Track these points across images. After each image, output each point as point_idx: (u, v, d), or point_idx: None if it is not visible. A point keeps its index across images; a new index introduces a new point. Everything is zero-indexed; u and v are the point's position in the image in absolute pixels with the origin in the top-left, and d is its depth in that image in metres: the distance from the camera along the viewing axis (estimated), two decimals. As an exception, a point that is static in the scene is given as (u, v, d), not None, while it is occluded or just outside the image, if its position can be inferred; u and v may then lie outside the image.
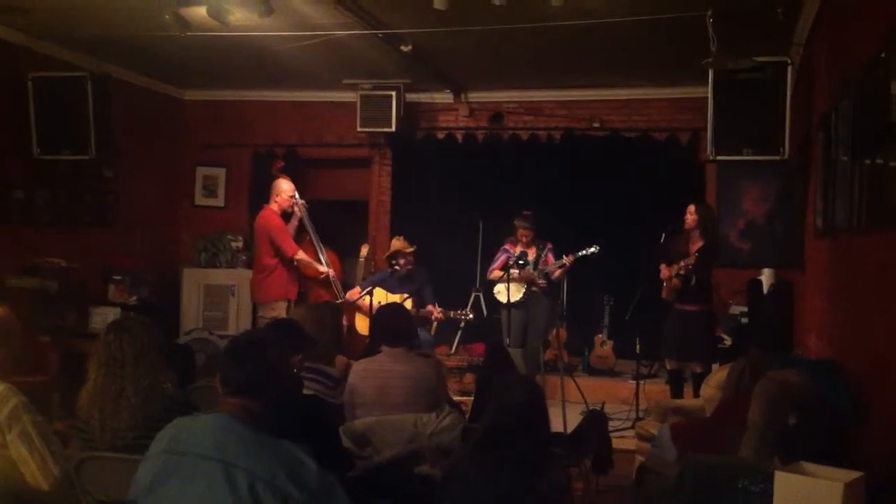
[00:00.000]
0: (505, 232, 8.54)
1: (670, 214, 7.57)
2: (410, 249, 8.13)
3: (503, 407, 3.57)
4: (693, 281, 7.29)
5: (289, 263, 7.89)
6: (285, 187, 8.05)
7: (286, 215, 8.08)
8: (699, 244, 7.32)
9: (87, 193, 8.65)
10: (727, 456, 3.73)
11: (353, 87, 9.37)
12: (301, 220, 8.23)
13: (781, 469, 2.66)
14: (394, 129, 9.28)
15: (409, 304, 7.49)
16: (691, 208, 7.45)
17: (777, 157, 6.20)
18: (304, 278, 8.17)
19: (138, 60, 8.64)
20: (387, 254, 8.34)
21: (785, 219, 8.12)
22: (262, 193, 8.38)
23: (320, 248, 8.26)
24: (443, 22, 6.41)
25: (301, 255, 7.94)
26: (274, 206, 7.99)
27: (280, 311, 7.72)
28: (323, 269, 8.15)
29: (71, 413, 3.60)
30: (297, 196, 8.17)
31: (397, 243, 8.23)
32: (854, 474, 2.55)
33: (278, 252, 7.83)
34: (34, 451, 3.40)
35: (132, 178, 9.21)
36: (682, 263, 7.28)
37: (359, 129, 9.42)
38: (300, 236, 8.27)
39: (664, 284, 7.51)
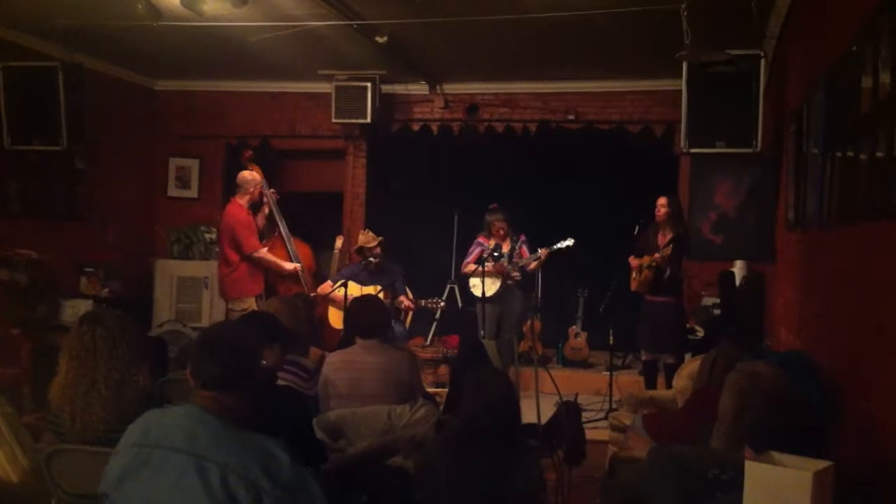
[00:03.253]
0: (480, 224, 8.53)
1: (644, 207, 7.60)
2: (374, 244, 8.03)
3: (476, 402, 3.57)
4: (667, 273, 7.33)
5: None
6: (251, 178, 7.88)
7: (255, 206, 7.97)
8: (670, 236, 7.36)
9: (59, 184, 8.57)
10: (698, 446, 3.76)
11: (328, 78, 9.33)
12: (270, 212, 8.14)
13: (751, 459, 2.68)
14: (369, 120, 9.26)
15: (382, 297, 7.47)
16: (663, 201, 7.48)
17: (749, 150, 6.24)
18: (273, 272, 8.05)
19: (110, 50, 8.56)
20: (357, 247, 8.24)
21: (757, 211, 8.18)
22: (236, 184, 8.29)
23: (289, 241, 8.19)
24: (418, 13, 6.40)
25: (262, 252, 7.75)
26: (241, 200, 7.81)
27: (250, 305, 7.56)
28: (288, 266, 8.01)
29: (42, 406, 3.57)
30: (265, 185, 8.07)
31: (362, 238, 8.16)
32: (823, 463, 2.58)
33: (240, 247, 7.73)
34: (3, 443, 3.35)
35: (104, 169, 9.14)
36: (656, 255, 7.31)
37: (333, 120, 9.39)
38: (270, 228, 8.19)
39: (634, 277, 7.55)
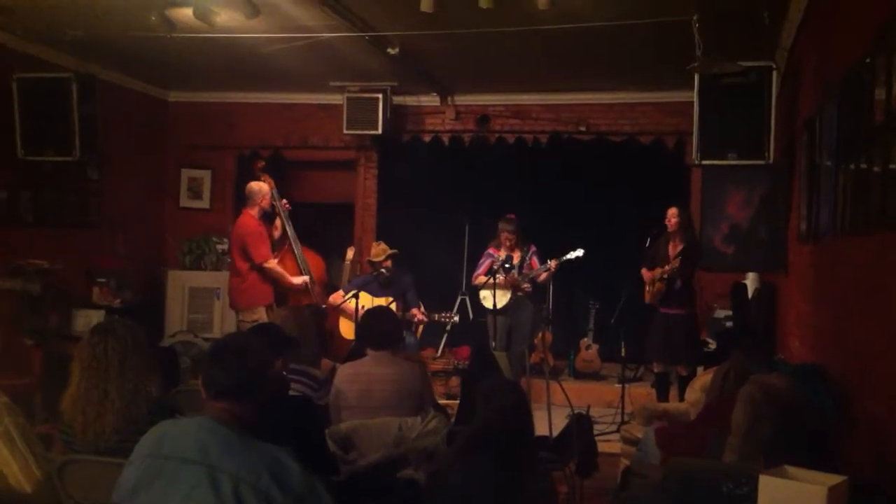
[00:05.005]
0: (491, 235, 8.53)
1: (656, 219, 7.58)
2: (382, 257, 8.03)
3: (488, 411, 3.56)
4: (678, 284, 7.31)
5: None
6: (258, 189, 7.85)
7: (268, 217, 7.97)
8: (680, 247, 7.35)
9: (72, 194, 8.61)
10: (711, 459, 3.74)
11: (339, 90, 9.36)
12: (282, 222, 8.14)
13: (765, 473, 2.67)
14: (380, 131, 9.27)
15: (393, 308, 7.46)
16: (674, 211, 7.47)
17: (761, 162, 6.22)
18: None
19: (123, 61, 8.60)
20: (369, 259, 8.25)
21: (769, 223, 8.15)
22: (248, 196, 8.30)
23: (300, 251, 8.19)
24: (429, 25, 6.40)
25: (271, 263, 7.74)
26: (252, 211, 7.79)
27: (261, 315, 7.54)
28: (296, 280, 8.00)
29: (54, 416, 3.57)
30: (277, 196, 8.08)
31: (379, 248, 8.16)
32: (837, 478, 2.56)
33: (250, 257, 7.72)
34: (16, 453, 3.37)
35: (117, 180, 9.17)
36: (666, 267, 7.30)
37: (345, 131, 9.41)
38: (281, 239, 8.19)
39: (647, 289, 7.53)
